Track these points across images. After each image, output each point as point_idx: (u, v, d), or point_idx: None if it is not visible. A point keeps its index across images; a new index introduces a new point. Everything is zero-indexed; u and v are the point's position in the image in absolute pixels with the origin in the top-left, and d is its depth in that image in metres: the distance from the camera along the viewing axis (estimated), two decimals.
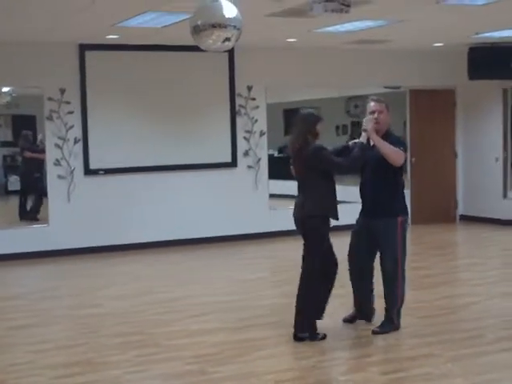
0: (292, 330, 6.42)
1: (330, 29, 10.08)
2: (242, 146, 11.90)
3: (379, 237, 6.55)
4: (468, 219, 13.43)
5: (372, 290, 6.85)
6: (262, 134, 11.97)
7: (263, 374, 5.58)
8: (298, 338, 6.40)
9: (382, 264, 6.62)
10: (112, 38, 10.35)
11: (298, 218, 6.49)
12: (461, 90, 13.41)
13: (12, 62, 10.51)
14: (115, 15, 8.73)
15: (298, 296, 6.45)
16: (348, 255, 6.78)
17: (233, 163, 11.85)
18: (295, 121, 6.55)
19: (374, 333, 6.51)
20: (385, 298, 6.62)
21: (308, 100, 14.01)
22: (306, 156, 6.32)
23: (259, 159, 11.94)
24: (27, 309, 7.93)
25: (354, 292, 6.86)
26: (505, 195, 12.92)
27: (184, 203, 11.55)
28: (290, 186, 13.87)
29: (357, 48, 12.10)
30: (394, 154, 6.36)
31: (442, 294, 8.06)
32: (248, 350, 6.21)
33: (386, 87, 13.24)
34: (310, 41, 11.24)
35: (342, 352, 6.16)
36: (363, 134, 6.44)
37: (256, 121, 11.95)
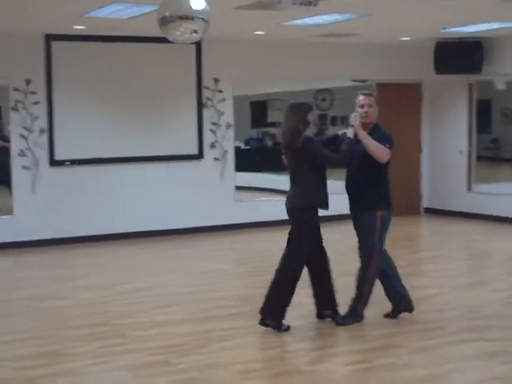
0: (259, 317, 6.45)
1: (298, 22, 10.10)
2: (208, 138, 11.90)
3: (359, 229, 6.65)
4: (433, 212, 13.55)
5: (392, 284, 6.81)
6: (228, 126, 11.98)
7: (228, 364, 5.61)
8: (264, 323, 6.44)
9: (359, 255, 6.67)
10: (79, 28, 10.29)
11: (288, 208, 6.54)
12: (427, 84, 13.52)
13: None
14: (82, 6, 8.68)
15: (274, 282, 6.47)
16: None
17: (199, 155, 11.85)
18: (286, 111, 6.57)
19: (339, 325, 6.57)
20: (356, 288, 6.67)
21: (275, 93, 14.03)
22: (296, 147, 6.36)
23: (226, 151, 11.95)
24: None
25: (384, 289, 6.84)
26: (469, 188, 13.05)
27: (150, 195, 11.53)
28: (258, 179, 13.96)
29: (325, 41, 12.14)
30: (378, 152, 6.41)
31: (406, 285, 8.08)
32: (213, 340, 6.24)
33: (353, 80, 13.31)
34: (278, 34, 11.25)
35: (306, 343, 6.20)
36: (350, 129, 6.47)
37: (223, 113, 11.96)
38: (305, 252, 6.49)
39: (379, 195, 6.58)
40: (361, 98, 6.64)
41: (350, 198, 6.69)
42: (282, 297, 6.44)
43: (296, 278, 6.47)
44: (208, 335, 6.38)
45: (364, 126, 6.54)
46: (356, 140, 6.47)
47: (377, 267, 6.62)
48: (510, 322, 6.67)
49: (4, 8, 8.69)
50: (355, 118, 6.49)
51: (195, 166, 11.83)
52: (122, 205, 11.34)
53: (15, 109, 10.67)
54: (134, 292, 8.04)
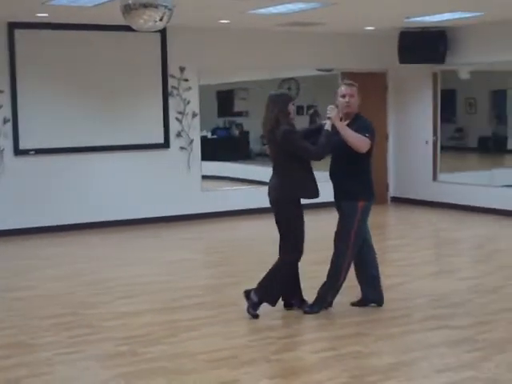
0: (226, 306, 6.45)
1: (263, 11, 10.10)
2: (174, 127, 11.85)
3: (340, 217, 6.70)
4: (399, 201, 13.65)
5: (373, 276, 6.86)
6: (194, 115, 11.94)
7: (195, 354, 5.61)
8: (247, 295, 6.54)
9: (334, 242, 6.71)
10: (42, 16, 10.20)
11: (271, 200, 6.57)
12: (392, 74, 13.58)
13: None
14: None
15: (272, 270, 6.57)
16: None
17: (165, 144, 11.81)
18: (266, 102, 6.56)
19: (306, 313, 6.60)
20: (328, 276, 6.71)
21: (241, 82, 14.04)
22: (277, 139, 6.39)
23: (192, 140, 11.91)
24: None
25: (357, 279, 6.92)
26: (434, 178, 13.15)
27: (116, 184, 11.48)
28: (224, 168, 13.95)
29: (290, 30, 12.15)
30: (357, 142, 6.44)
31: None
32: (179, 330, 6.23)
33: (318, 70, 13.35)
34: (243, 22, 11.24)
35: (273, 331, 6.21)
36: (328, 121, 6.46)
37: (188, 102, 11.91)
38: (301, 242, 6.55)
39: (361, 185, 6.64)
40: (343, 88, 6.67)
41: (333, 188, 6.75)
42: (274, 286, 6.54)
43: (293, 270, 6.58)
44: (175, 325, 6.38)
45: (346, 115, 6.59)
46: (334, 131, 6.48)
47: (352, 256, 6.65)
48: (475, 310, 6.74)
49: None
50: (332, 111, 6.47)
51: (161, 155, 11.79)
52: (88, 194, 11.28)
53: None
54: (100, 282, 8.01)
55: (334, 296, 6.73)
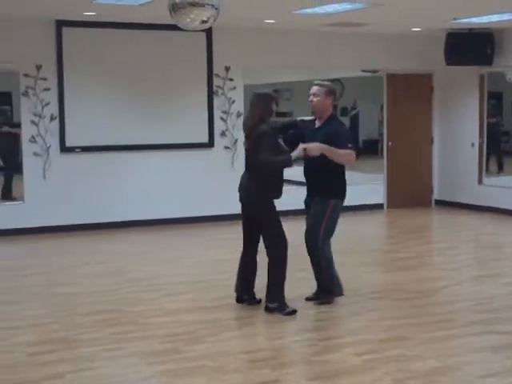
0: (261, 311, 6.59)
1: (309, 11, 10.08)
2: (219, 126, 11.88)
3: (310, 213, 6.88)
4: (443, 204, 13.53)
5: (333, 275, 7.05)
6: (239, 114, 11.95)
7: (237, 353, 5.62)
8: (268, 308, 6.60)
9: (305, 237, 6.88)
10: (89, 14, 10.29)
11: (242, 196, 6.76)
12: (438, 75, 13.47)
13: None
14: None
15: (271, 272, 6.69)
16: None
17: (210, 143, 11.84)
18: (251, 100, 6.75)
19: (308, 299, 6.94)
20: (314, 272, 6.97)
21: (286, 82, 14.01)
22: (253, 138, 6.58)
23: (236, 140, 11.92)
24: (2, 286, 7.90)
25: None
26: (480, 181, 13.00)
27: (160, 183, 11.53)
28: None
29: (335, 30, 12.11)
30: (345, 159, 6.67)
31: (415, 277, 8.13)
32: (222, 329, 6.24)
33: (363, 71, 13.28)
34: (288, 22, 11.23)
35: (314, 333, 6.20)
36: (299, 151, 6.53)
37: (233, 102, 11.94)
38: (282, 232, 6.66)
39: (335, 185, 6.78)
40: (313, 87, 6.87)
41: (307, 186, 6.95)
42: (282, 282, 6.64)
43: (286, 261, 6.67)
44: (218, 324, 6.39)
45: (318, 116, 6.83)
46: (313, 130, 6.81)
47: (324, 250, 6.85)
48: None
49: None
50: (315, 150, 6.54)
51: (205, 154, 11.83)
52: (132, 192, 11.35)
53: (26, 95, 10.68)
54: (144, 279, 8.05)
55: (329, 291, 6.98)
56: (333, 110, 6.88)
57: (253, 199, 6.66)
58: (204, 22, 6.49)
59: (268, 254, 6.69)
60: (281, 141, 6.76)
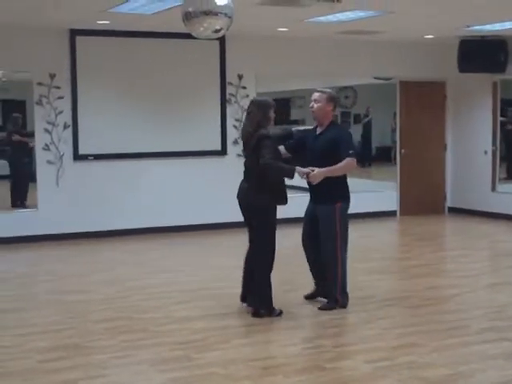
0: (273, 318, 6.58)
1: (322, 19, 10.09)
2: (231, 134, 11.90)
3: (320, 222, 6.92)
4: (456, 211, 13.48)
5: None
6: None
7: (248, 360, 5.61)
8: (256, 314, 6.70)
9: (322, 248, 6.94)
10: (103, 23, 10.33)
11: (242, 203, 6.90)
12: (451, 83, 13.44)
13: (2, 46, 10.47)
14: (106, 0, 8.71)
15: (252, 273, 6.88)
16: (302, 241, 7.22)
17: (222, 151, 11.86)
18: (249, 107, 6.84)
19: (320, 309, 6.90)
20: (327, 280, 6.97)
21: (298, 90, 14.02)
22: (253, 143, 6.66)
23: None
24: (14, 293, 7.93)
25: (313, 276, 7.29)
26: (493, 188, 12.96)
27: (173, 190, 11.55)
28: None
29: (348, 38, 12.11)
30: (346, 170, 6.79)
31: (428, 284, 8.10)
32: (232, 336, 6.24)
33: (376, 78, 13.28)
34: (301, 30, 11.24)
35: (326, 340, 6.18)
36: (304, 175, 6.72)
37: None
38: (275, 241, 6.79)
39: (339, 189, 6.90)
40: (314, 93, 6.97)
41: (311, 192, 7.05)
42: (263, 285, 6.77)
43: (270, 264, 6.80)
44: (229, 331, 6.39)
45: (320, 123, 6.92)
46: (314, 136, 6.94)
47: (342, 255, 6.94)
48: None
49: (29, 3, 8.74)
50: (317, 178, 6.69)
51: (218, 162, 11.84)
52: (144, 200, 11.37)
53: (39, 103, 10.73)
54: (155, 287, 8.06)
55: (344, 297, 7.01)
56: (334, 117, 6.98)
57: (252, 204, 6.76)
58: (217, 30, 6.51)
59: (252, 256, 6.92)
60: (282, 148, 6.91)
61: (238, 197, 6.91)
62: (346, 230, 6.96)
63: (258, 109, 6.72)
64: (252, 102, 6.89)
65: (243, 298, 7.05)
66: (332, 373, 5.37)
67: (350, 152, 6.70)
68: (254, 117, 6.70)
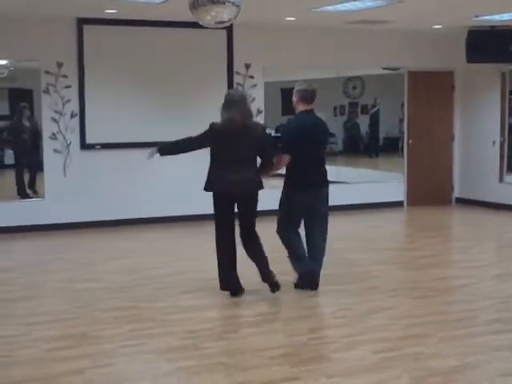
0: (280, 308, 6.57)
1: (330, 8, 10.05)
2: None
3: (318, 206, 7.41)
4: (464, 202, 13.46)
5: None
6: (259, 112, 11.94)
7: (256, 350, 5.61)
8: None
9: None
10: (110, 12, 10.32)
11: (247, 193, 7.08)
12: (459, 73, 13.40)
13: (9, 34, 10.47)
14: None
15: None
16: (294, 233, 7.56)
17: None
18: (234, 98, 7.04)
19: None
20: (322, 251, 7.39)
21: (306, 80, 13.98)
22: (253, 132, 6.95)
23: None
24: (22, 282, 7.95)
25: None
26: (501, 179, 12.93)
27: (180, 179, 11.55)
28: None
29: (356, 28, 12.07)
30: (280, 166, 7.30)
31: (435, 275, 8.10)
32: (241, 326, 6.27)
33: (384, 68, 13.24)
34: (309, 20, 11.21)
35: (333, 330, 6.19)
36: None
37: (254, 99, 11.90)
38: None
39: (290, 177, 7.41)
40: None
41: (315, 175, 7.38)
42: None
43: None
44: (237, 320, 6.41)
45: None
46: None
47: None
48: None
49: None
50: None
51: None
52: (152, 189, 11.39)
53: (46, 92, 10.74)
54: (162, 276, 8.07)
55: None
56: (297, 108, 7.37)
57: (257, 191, 7.10)
58: (224, 19, 6.50)
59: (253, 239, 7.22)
60: None
61: (232, 189, 6.98)
62: (288, 213, 7.45)
63: (245, 100, 7.05)
64: (236, 94, 7.34)
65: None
66: (338, 363, 5.38)
67: (279, 145, 7.29)
68: (243, 107, 6.93)
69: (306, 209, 7.28)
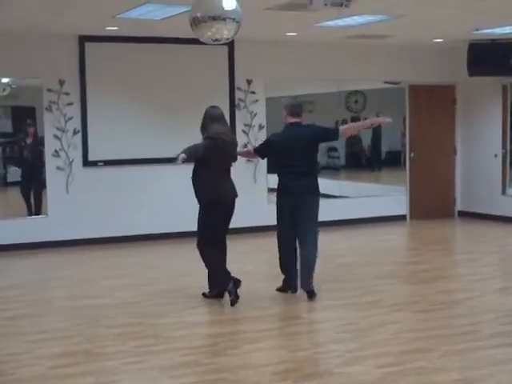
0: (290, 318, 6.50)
1: (330, 23, 10.09)
2: (240, 139, 11.84)
3: (307, 212, 7.90)
4: (466, 215, 13.45)
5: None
6: (261, 127, 11.98)
7: (259, 365, 5.60)
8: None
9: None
10: (112, 29, 10.36)
11: (233, 200, 7.77)
12: (461, 86, 13.43)
13: (11, 52, 10.53)
14: (115, 6, 8.75)
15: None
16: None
17: None
18: (218, 114, 7.67)
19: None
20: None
21: (308, 94, 14.01)
22: (234, 146, 7.80)
23: None
24: (25, 299, 7.94)
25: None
26: (503, 192, 12.93)
27: (182, 196, 11.50)
28: None
29: (357, 43, 12.11)
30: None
31: (438, 288, 8.09)
32: (243, 341, 6.24)
33: (385, 82, 13.27)
34: (310, 35, 11.25)
35: (337, 345, 6.18)
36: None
37: (255, 115, 11.97)
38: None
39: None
40: None
41: (302, 184, 7.93)
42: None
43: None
44: (239, 336, 6.39)
45: None
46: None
47: None
48: None
49: (38, 9, 8.77)
50: None
51: None
52: (154, 205, 11.39)
53: (49, 109, 10.77)
54: (166, 292, 8.07)
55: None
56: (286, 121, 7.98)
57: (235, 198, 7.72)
58: (225, 35, 6.53)
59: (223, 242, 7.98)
60: None
61: (221, 195, 7.63)
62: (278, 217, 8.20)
63: (224, 118, 7.73)
64: (216, 110, 7.71)
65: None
66: (342, 378, 5.36)
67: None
68: (225, 121, 7.75)
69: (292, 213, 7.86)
